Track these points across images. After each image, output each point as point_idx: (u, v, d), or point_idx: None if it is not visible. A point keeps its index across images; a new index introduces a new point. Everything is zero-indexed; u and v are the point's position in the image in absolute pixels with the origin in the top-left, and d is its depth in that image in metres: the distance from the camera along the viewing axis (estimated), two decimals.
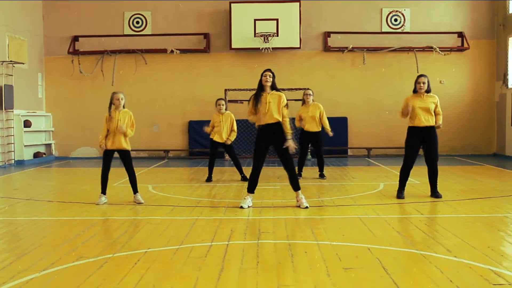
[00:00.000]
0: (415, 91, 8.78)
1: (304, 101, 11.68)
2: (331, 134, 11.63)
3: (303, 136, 11.57)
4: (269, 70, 7.97)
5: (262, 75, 7.91)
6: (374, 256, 5.18)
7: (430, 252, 5.33)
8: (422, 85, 8.65)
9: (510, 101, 16.57)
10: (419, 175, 11.05)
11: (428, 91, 8.70)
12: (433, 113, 8.66)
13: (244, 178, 11.18)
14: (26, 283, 4.49)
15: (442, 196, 8.73)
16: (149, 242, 5.87)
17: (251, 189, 8.07)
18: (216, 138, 11.29)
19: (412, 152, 8.74)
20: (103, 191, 8.58)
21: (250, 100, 8.00)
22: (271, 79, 7.86)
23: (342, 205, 8.24)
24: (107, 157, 8.52)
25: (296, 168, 11.94)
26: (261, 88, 7.90)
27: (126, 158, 8.53)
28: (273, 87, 7.90)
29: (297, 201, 8.01)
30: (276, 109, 7.78)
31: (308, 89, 12.04)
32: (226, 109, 11.46)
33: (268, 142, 7.92)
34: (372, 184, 10.65)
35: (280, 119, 7.83)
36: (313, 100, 11.65)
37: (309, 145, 12.37)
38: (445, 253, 5.31)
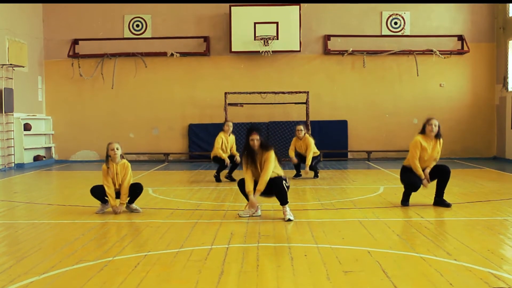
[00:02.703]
0: (423, 132, 8.16)
1: (296, 135, 12.23)
2: (306, 171, 11.82)
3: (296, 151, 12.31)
4: (254, 131, 7.45)
5: (248, 138, 7.44)
6: (374, 259, 5.18)
7: (430, 255, 5.33)
8: (433, 127, 8.03)
9: (510, 104, 16.58)
10: None
11: (437, 135, 8.12)
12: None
13: (230, 178, 11.76)
14: (26, 286, 4.48)
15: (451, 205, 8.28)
16: (149, 245, 5.87)
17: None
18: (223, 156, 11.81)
19: (414, 179, 8.19)
20: (103, 201, 8.07)
21: (243, 162, 7.55)
22: (258, 143, 7.41)
23: (342, 208, 8.24)
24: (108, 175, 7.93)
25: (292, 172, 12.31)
26: (250, 150, 7.46)
27: (135, 190, 8.04)
28: (262, 145, 7.44)
29: (283, 213, 7.42)
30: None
31: (300, 124, 12.66)
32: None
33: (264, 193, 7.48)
34: (372, 187, 10.65)
35: (272, 176, 7.35)
36: (305, 134, 12.16)
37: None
38: (445, 256, 5.30)
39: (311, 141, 12.03)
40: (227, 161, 11.70)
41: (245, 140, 7.52)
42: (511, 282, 4.48)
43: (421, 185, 8.21)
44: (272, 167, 7.38)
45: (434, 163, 8.26)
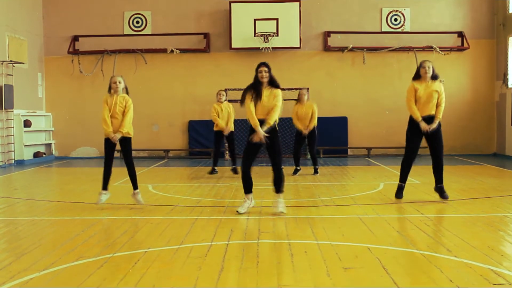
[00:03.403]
0: (418, 76, 8.16)
1: (299, 99, 12.24)
2: (306, 132, 11.98)
3: (299, 132, 12.20)
4: (263, 64, 7.28)
5: (257, 71, 7.28)
6: (374, 256, 5.18)
7: (430, 252, 5.33)
8: (427, 69, 8.04)
9: (510, 100, 16.57)
10: (419, 175, 11.05)
11: (434, 77, 8.11)
12: (435, 102, 8.11)
13: (234, 170, 11.85)
14: (26, 283, 4.49)
15: (449, 198, 8.36)
16: (149, 242, 5.87)
17: (247, 189, 7.54)
18: (218, 128, 11.97)
19: (412, 143, 8.27)
20: (105, 187, 8.12)
21: (246, 96, 7.33)
22: (267, 75, 7.23)
23: (342, 204, 8.24)
24: (109, 145, 7.97)
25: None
26: (258, 83, 7.29)
27: (126, 146, 8.01)
28: (271, 82, 7.28)
29: (273, 203, 7.44)
30: (270, 107, 7.23)
31: (303, 88, 12.97)
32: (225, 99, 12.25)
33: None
34: (372, 183, 10.65)
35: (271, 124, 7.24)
36: (307, 99, 12.31)
37: (305, 141, 12.57)
38: (445, 252, 5.31)
39: (315, 107, 12.07)
40: (223, 127, 11.76)
41: (255, 74, 7.33)
42: (511, 278, 4.48)
43: (416, 155, 8.35)
44: (281, 105, 7.27)
45: (440, 110, 8.13)
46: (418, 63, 8.18)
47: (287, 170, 12.89)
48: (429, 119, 8.12)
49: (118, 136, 7.90)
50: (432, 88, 8.09)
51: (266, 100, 7.24)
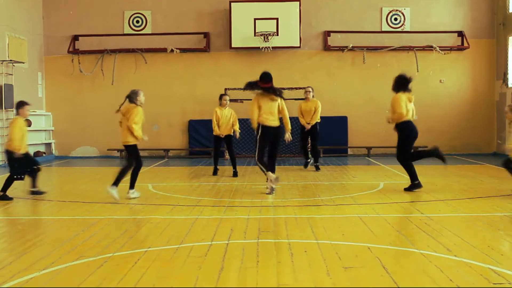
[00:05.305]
0: (407, 89, 9.41)
1: (305, 98, 12.98)
2: (307, 126, 12.68)
3: (303, 128, 12.86)
4: (268, 75, 9.32)
5: (268, 84, 9.27)
6: (374, 255, 5.19)
7: (430, 251, 5.34)
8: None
9: (510, 100, 16.56)
10: (419, 174, 10.99)
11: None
12: None
13: (235, 174, 11.86)
14: (26, 282, 4.49)
15: (423, 186, 9.32)
16: (149, 241, 5.87)
17: (266, 169, 9.04)
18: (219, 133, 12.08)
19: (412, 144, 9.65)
20: (132, 186, 9.02)
21: (256, 100, 9.24)
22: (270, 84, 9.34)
23: (342, 204, 8.24)
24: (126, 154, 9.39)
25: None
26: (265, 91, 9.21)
27: (129, 152, 9.31)
28: (273, 90, 9.32)
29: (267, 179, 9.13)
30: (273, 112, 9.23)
31: (308, 86, 13.41)
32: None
33: (270, 140, 9.17)
34: (372, 183, 10.65)
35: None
36: (313, 96, 12.95)
37: (309, 140, 13.16)
38: (445, 252, 5.31)
39: (319, 103, 12.74)
40: (220, 133, 11.90)
41: (265, 86, 9.24)
42: (511, 278, 4.49)
43: None
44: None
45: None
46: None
47: (289, 168, 12.96)
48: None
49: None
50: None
51: (269, 106, 9.18)
